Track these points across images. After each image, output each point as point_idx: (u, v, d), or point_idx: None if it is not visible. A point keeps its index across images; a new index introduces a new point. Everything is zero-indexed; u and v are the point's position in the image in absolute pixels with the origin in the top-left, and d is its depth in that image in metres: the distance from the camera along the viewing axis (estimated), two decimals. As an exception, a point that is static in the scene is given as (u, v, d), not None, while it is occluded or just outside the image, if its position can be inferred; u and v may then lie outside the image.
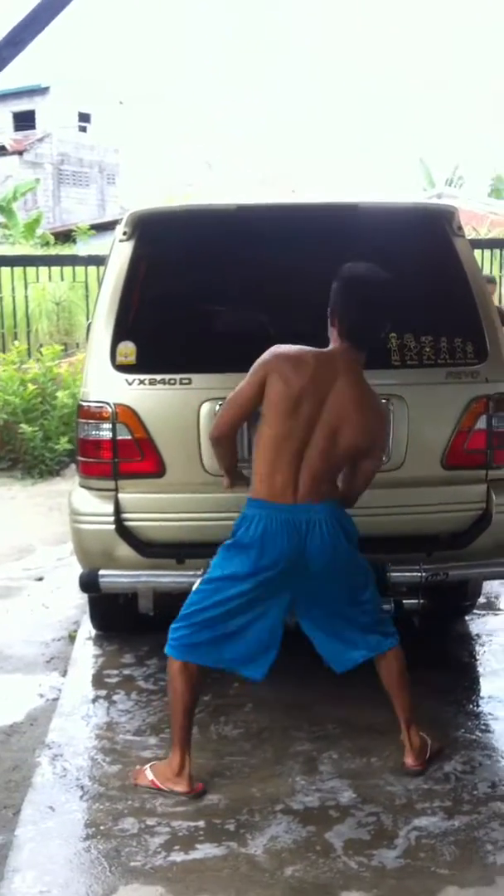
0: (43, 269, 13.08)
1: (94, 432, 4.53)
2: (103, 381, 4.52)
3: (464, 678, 5.05)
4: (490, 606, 6.00)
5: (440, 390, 4.57)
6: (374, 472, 4.03)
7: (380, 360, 4.43)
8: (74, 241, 22.59)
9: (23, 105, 44.74)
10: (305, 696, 4.64)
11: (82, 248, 19.78)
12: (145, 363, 4.49)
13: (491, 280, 10.27)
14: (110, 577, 4.49)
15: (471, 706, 4.72)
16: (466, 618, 5.77)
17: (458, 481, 4.62)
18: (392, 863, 3.46)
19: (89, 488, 4.64)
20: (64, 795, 3.95)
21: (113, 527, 4.51)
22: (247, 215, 4.78)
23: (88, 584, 4.51)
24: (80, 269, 12.72)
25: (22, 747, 4.38)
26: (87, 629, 5.65)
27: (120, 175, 47.39)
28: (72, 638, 5.64)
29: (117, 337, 4.52)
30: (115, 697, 4.82)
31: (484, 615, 5.85)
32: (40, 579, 6.82)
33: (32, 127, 44.39)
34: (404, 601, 4.45)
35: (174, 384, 4.46)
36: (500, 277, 13.33)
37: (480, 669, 5.18)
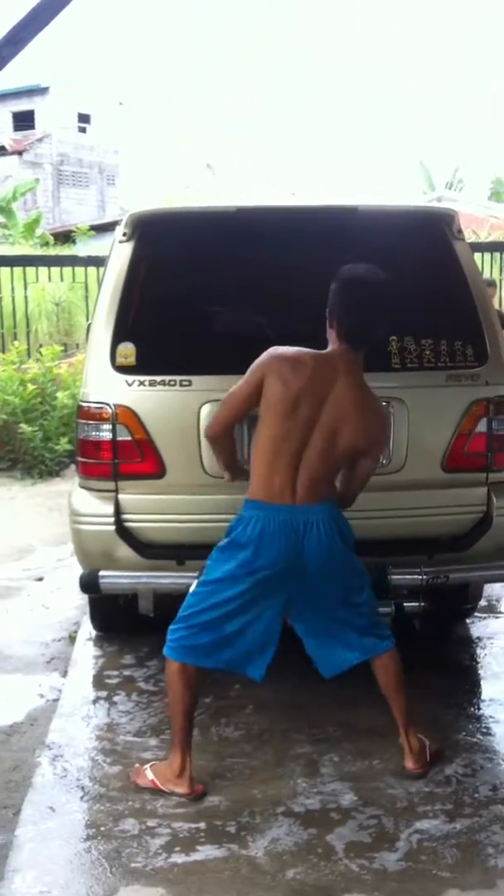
0: (42, 270, 13.07)
1: (94, 433, 4.53)
2: (103, 382, 4.51)
3: (465, 681, 5.05)
4: (491, 609, 6.00)
5: (440, 393, 4.57)
6: (372, 472, 4.04)
7: (380, 362, 4.43)
8: (74, 242, 22.58)
9: (22, 105, 44.73)
10: (306, 698, 4.64)
11: (82, 249, 19.77)
12: (145, 364, 4.49)
13: (491, 284, 10.29)
14: (110, 577, 4.48)
15: (472, 709, 4.72)
16: (467, 621, 5.77)
17: (458, 484, 4.62)
18: (393, 865, 3.46)
19: (89, 489, 4.64)
20: (64, 796, 3.94)
21: (113, 528, 4.51)
22: (247, 217, 4.78)
23: (88, 584, 4.51)
24: (79, 270, 12.72)
25: (22, 747, 4.38)
26: (88, 630, 5.65)
27: (120, 176, 47.40)
28: (72, 638, 5.63)
29: (117, 338, 4.52)
30: (115, 698, 4.81)
31: (485, 618, 5.85)
32: (40, 580, 6.81)
33: (32, 127, 44.39)
34: (405, 604, 4.45)
35: (174, 385, 4.46)
36: (501, 281, 13.34)
37: (481, 672, 5.18)
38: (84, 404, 4.57)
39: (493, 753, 4.29)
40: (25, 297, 12.84)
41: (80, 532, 4.64)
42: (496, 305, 9.98)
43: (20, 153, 42.88)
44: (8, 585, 6.69)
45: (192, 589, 3.94)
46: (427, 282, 4.67)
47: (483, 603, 5.82)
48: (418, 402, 4.52)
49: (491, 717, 4.63)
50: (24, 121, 44.66)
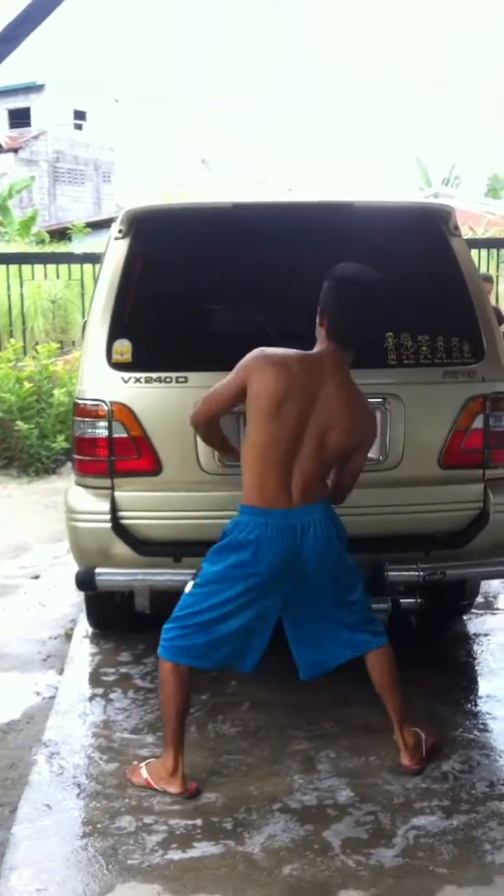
0: (38, 267, 13.08)
1: (90, 430, 4.52)
2: (99, 379, 4.51)
3: (461, 678, 5.05)
4: (488, 606, 6.00)
5: (437, 390, 4.56)
6: (362, 467, 4.05)
7: (376, 359, 4.44)
8: (70, 239, 22.62)
9: (18, 102, 44.65)
10: (303, 695, 4.62)
11: (78, 246, 19.80)
12: (141, 361, 4.49)
13: (488, 279, 10.30)
14: (107, 575, 4.48)
15: (469, 705, 4.72)
16: (464, 617, 5.77)
17: (455, 480, 4.62)
18: (390, 862, 3.46)
19: (85, 486, 4.63)
20: (61, 793, 3.94)
21: (109, 525, 4.50)
22: (243, 213, 4.77)
23: (85, 582, 4.50)
24: (75, 267, 12.73)
25: (19, 745, 4.38)
26: (84, 627, 5.65)
27: (115, 173, 47.31)
28: (68, 636, 5.63)
29: (113, 335, 4.51)
30: (111, 695, 4.81)
31: (482, 614, 5.85)
32: (37, 577, 6.81)
33: (28, 124, 44.30)
34: (402, 600, 4.46)
35: (170, 382, 4.45)
36: (497, 277, 13.35)
37: (478, 669, 5.18)
38: (80, 401, 4.56)
39: (489, 750, 4.29)
40: (21, 295, 12.86)
41: (76, 529, 4.63)
42: (493, 301, 9.99)
43: (16, 150, 42.79)
44: (4, 583, 6.69)
45: (187, 590, 3.93)
46: (423, 278, 4.67)
47: (480, 599, 5.82)
48: (415, 398, 4.52)
49: (488, 713, 4.63)
50: (19, 118, 44.57)
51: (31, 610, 6.19)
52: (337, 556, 3.88)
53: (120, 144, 47.82)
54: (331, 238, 4.60)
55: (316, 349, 3.88)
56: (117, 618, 5.33)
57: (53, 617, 6.01)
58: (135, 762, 4.09)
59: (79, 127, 45.59)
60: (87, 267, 12.07)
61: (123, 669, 5.11)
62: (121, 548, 4.49)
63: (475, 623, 5.74)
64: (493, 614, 5.91)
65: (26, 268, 12.86)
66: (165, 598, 4.29)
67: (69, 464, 8.81)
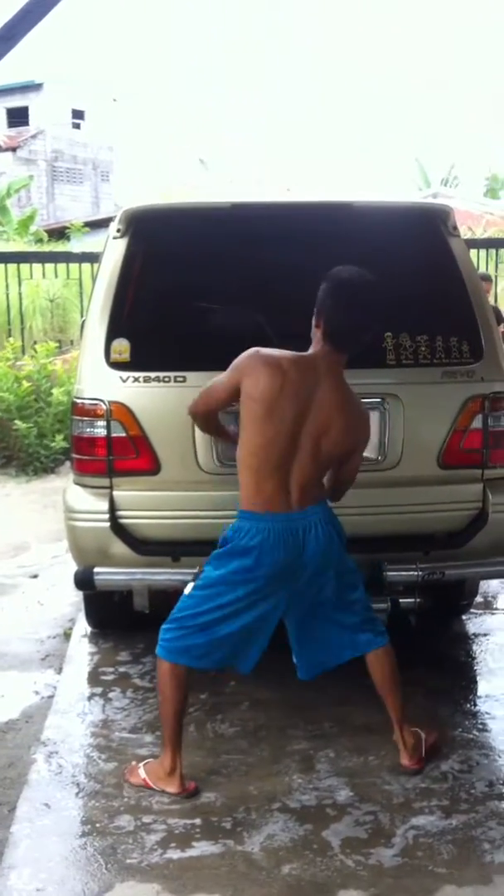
0: (37, 266, 13.06)
1: (88, 429, 4.52)
2: (98, 379, 4.50)
3: (461, 677, 5.05)
4: (487, 605, 6.01)
5: (436, 390, 4.56)
6: (359, 467, 4.06)
7: (375, 359, 4.44)
8: (68, 239, 22.62)
9: (16, 101, 44.63)
10: (302, 694, 4.63)
11: (76, 246, 19.80)
12: (140, 360, 4.48)
13: (486, 278, 10.30)
14: (105, 574, 4.48)
15: (468, 705, 4.72)
16: (463, 617, 5.78)
17: (454, 480, 4.62)
18: (389, 861, 3.46)
19: (84, 486, 4.63)
20: (60, 792, 3.94)
21: (108, 524, 4.50)
22: (242, 213, 4.77)
23: (83, 581, 4.50)
24: (73, 267, 12.72)
25: (17, 744, 4.38)
26: (83, 626, 5.65)
27: (114, 172, 47.29)
28: (67, 635, 5.63)
29: (111, 334, 4.51)
30: (110, 695, 4.81)
31: (481, 614, 5.86)
32: (35, 577, 6.81)
33: (26, 123, 44.28)
34: (401, 600, 4.46)
35: (169, 382, 4.45)
36: (496, 277, 13.35)
37: (477, 669, 5.19)
38: (78, 401, 4.56)
39: (489, 749, 4.29)
40: (20, 294, 12.85)
41: (74, 529, 4.63)
42: (492, 301, 9.99)
43: (14, 150, 42.79)
44: (3, 582, 6.69)
45: (187, 591, 3.93)
46: (422, 278, 4.67)
47: (479, 599, 5.83)
48: (414, 398, 4.52)
49: (487, 713, 4.63)
50: (17, 117, 44.56)
51: (30, 609, 6.19)
52: (337, 557, 3.89)
53: (118, 144, 47.82)
54: (329, 238, 4.60)
55: (311, 350, 3.87)
56: (116, 617, 5.33)
57: (52, 616, 6.01)
58: (133, 762, 4.09)
59: (77, 126, 45.57)
60: (86, 266, 12.06)
61: (122, 669, 5.11)
62: (119, 547, 4.49)
63: (474, 623, 5.74)
64: (493, 614, 5.91)
65: (25, 267, 12.85)
66: (164, 598, 4.30)
67: (68, 463, 8.81)
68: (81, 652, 5.38)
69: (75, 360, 6.99)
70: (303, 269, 4.38)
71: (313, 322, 3.88)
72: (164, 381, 4.44)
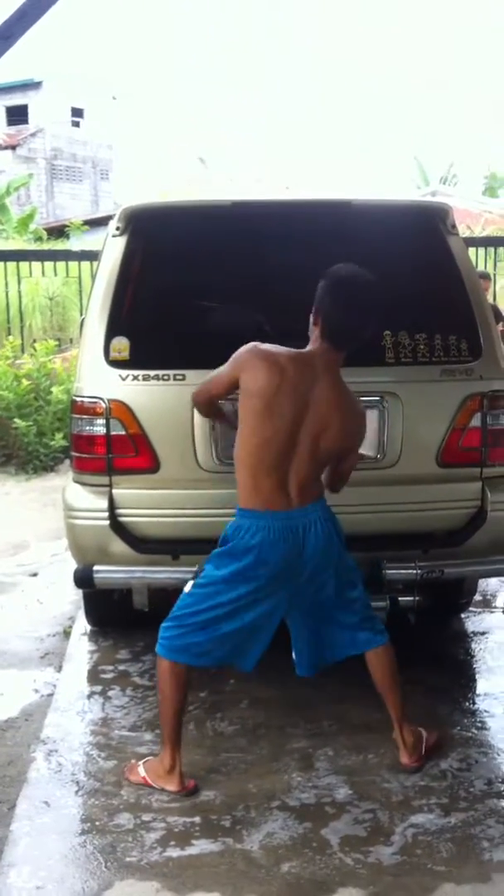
0: (36, 264, 13.06)
1: (87, 427, 4.52)
2: (97, 377, 4.50)
3: (460, 676, 5.06)
4: (486, 604, 6.01)
5: (435, 388, 4.56)
6: (357, 463, 4.07)
7: (374, 357, 4.44)
8: (68, 237, 22.59)
9: (15, 100, 44.61)
10: (301, 693, 4.63)
11: (75, 244, 19.79)
12: (139, 359, 4.48)
13: (485, 276, 10.29)
14: (105, 572, 4.48)
15: (467, 704, 4.72)
16: (462, 616, 5.78)
17: (453, 479, 4.62)
18: (388, 859, 3.47)
19: (83, 484, 4.63)
20: (59, 791, 3.94)
21: (107, 522, 4.50)
22: (241, 211, 4.77)
23: (83, 579, 4.50)
24: (73, 265, 12.72)
25: (17, 742, 4.39)
26: (82, 625, 5.65)
27: (113, 171, 47.28)
28: (66, 634, 5.63)
29: (111, 332, 4.51)
30: (110, 693, 4.81)
31: (480, 613, 5.86)
32: (35, 575, 6.81)
33: (25, 122, 44.26)
34: (400, 598, 4.45)
35: (168, 380, 4.45)
36: (495, 276, 13.34)
37: (476, 667, 5.19)
38: (78, 399, 4.56)
39: (488, 748, 4.29)
40: (19, 292, 12.84)
41: (74, 527, 4.63)
42: (490, 299, 9.99)
43: (13, 148, 42.77)
44: (3, 581, 6.69)
45: (187, 589, 3.93)
46: (421, 276, 4.67)
47: (478, 598, 5.83)
48: (413, 396, 4.52)
49: (486, 711, 4.64)
50: (17, 115, 44.54)
51: (30, 607, 6.19)
52: (337, 555, 3.89)
53: (118, 142, 47.82)
54: (328, 236, 4.60)
55: (308, 348, 3.87)
56: (116, 615, 5.33)
57: (52, 614, 6.01)
58: (132, 760, 4.09)
59: (76, 124, 45.55)
60: (85, 264, 12.05)
61: (122, 667, 5.11)
62: (119, 545, 4.49)
63: (473, 621, 5.75)
64: (491, 612, 5.91)
65: (24, 265, 12.84)
66: (164, 596, 4.30)
67: (67, 461, 8.82)
68: (81, 650, 5.38)
69: (75, 359, 7.00)
70: (302, 267, 4.38)
71: (311, 319, 3.88)
72: (164, 380, 4.45)
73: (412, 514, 4.60)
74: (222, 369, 3.90)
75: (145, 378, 4.44)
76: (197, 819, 3.72)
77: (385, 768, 4.08)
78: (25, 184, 33.65)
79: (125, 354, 4.48)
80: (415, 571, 4.42)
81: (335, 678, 4.44)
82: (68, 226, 23.32)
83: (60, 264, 12.94)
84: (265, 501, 3.77)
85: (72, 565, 4.71)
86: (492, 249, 13.99)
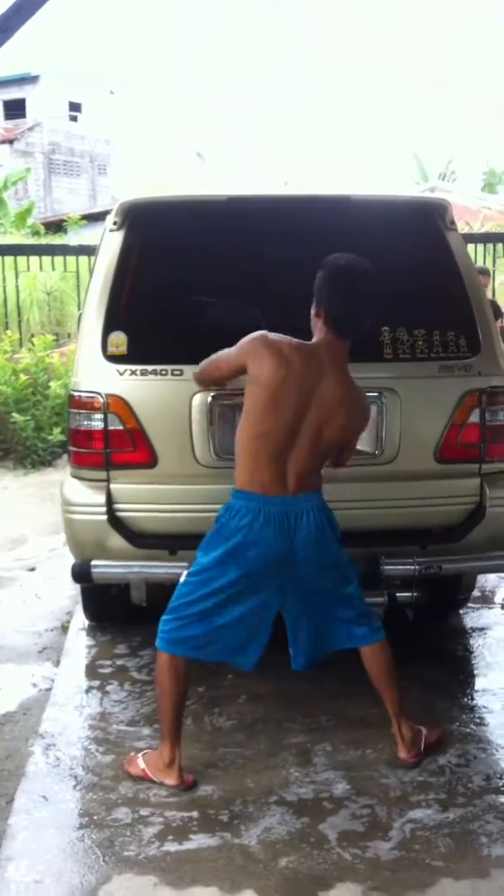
0: (34, 259, 13.04)
1: (85, 422, 4.51)
2: (94, 372, 4.50)
3: (458, 672, 5.06)
4: (484, 600, 6.01)
5: (433, 384, 4.56)
6: (354, 452, 4.10)
7: (373, 353, 4.43)
8: (65, 231, 22.52)
9: (13, 94, 44.60)
10: (299, 688, 4.64)
11: (73, 239, 19.72)
12: (137, 354, 4.48)
13: (484, 272, 10.28)
14: (102, 567, 4.48)
15: (465, 699, 4.73)
16: (461, 612, 5.78)
17: (451, 475, 4.61)
18: (386, 855, 3.47)
19: (81, 479, 4.62)
20: (57, 785, 3.95)
21: (105, 517, 4.50)
22: (239, 206, 4.76)
23: (81, 574, 4.50)
24: (70, 259, 12.70)
25: (15, 737, 4.39)
26: (80, 620, 5.65)
27: (111, 165, 47.25)
28: (64, 628, 5.63)
29: (108, 327, 4.50)
30: (108, 688, 4.82)
31: (478, 609, 5.86)
32: (33, 570, 6.81)
33: (23, 116, 44.25)
34: (398, 594, 4.46)
35: (166, 375, 4.45)
36: (493, 272, 13.33)
37: (474, 663, 5.19)
38: (75, 394, 4.55)
39: (486, 743, 4.30)
40: (17, 287, 12.82)
41: (72, 522, 4.63)
42: (490, 295, 9.99)
43: (11, 142, 42.76)
44: (0, 575, 6.68)
45: (182, 579, 3.94)
46: (419, 272, 4.66)
47: (476, 594, 5.83)
48: (411, 392, 4.51)
49: (484, 707, 4.64)
50: (14, 109, 44.53)
51: (28, 602, 6.19)
52: (331, 548, 3.89)
53: (115, 136, 47.76)
54: (327, 231, 4.59)
55: (314, 340, 3.87)
56: (113, 610, 5.34)
57: (50, 609, 6.01)
58: (131, 753, 4.10)
59: (74, 119, 45.54)
60: (83, 259, 12.01)
61: (120, 662, 5.11)
62: (117, 540, 4.49)
63: (471, 617, 5.75)
64: (490, 608, 5.92)
65: (22, 259, 12.81)
66: (161, 591, 4.29)
67: (65, 456, 8.78)
68: (79, 645, 5.38)
69: (72, 354, 6.99)
70: (299, 262, 4.36)
71: (312, 311, 3.88)
72: (161, 375, 4.44)
73: (410, 510, 4.60)
74: (228, 354, 3.91)
75: (143, 373, 4.44)
76: (195, 814, 3.73)
77: (383, 764, 4.08)
78: (23, 178, 33.62)
79: (123, 349, 4.48)
80: (413, 567, 4.42)
81: (332, 674, 4.44)
82: (66, 220, 23.23)
83: (58, 259, 12.92)
84: (260, 485, 3.77)
85: (70, 560, 4.71)
86: (490, 246, 13.98)
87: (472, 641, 5.44)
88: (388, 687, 4.05)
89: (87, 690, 4.81)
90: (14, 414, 9.92)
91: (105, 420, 4.45)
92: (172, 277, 4.69)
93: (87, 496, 4.56)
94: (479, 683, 4.93)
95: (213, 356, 4.05)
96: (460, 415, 4.54)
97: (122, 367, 4.45)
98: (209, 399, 4.38)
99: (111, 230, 4.64)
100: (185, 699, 4.00)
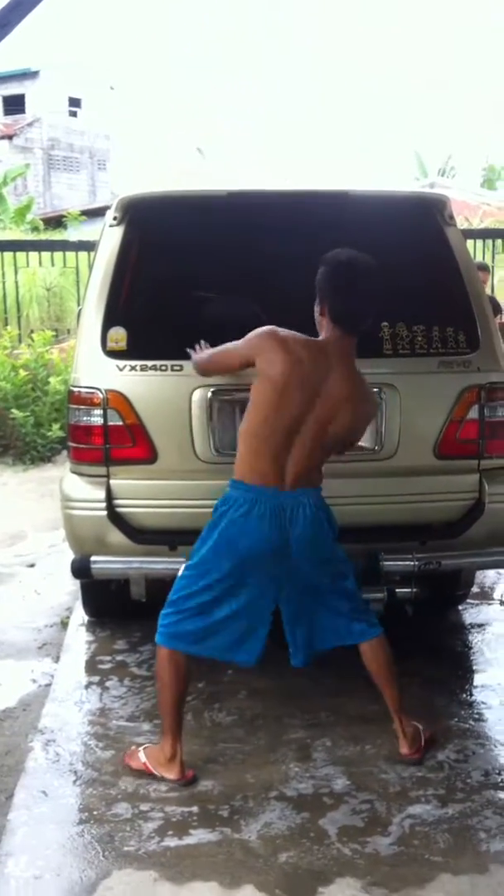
0: (33, 255, 13.02)
1: (84, 418, 4.51)
2: (94, 367, 4.50)
3: (457, 668, 5.06)
4: (483, 596, 6.01)
5: (432, 379, 4.56)
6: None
7: (372, 348, 4.43)
8: (65, 227, 22.55)
9: (12, 89, 44.52)
10: (298, 684, 4.64)
11: (73, 234, 19.75)
12: (136, 349, 4.48)
13: (484, 267, 10.27)
14: (102, 563, 4.48)
15: (464, 695, 4.73)
16: (460, 607, 5.79)
17: (450, 471, 4.62)
18: (386, 850, 3.47)
19: (81, 474, 4.62)
20: (57, 780, 3.95)
21: (105, 513, 4.50)
22: (238, 201, 4.76)
23: (80, 570, 4.50)
24: (70, 255, 12.69)
25: (15, 732, 4.39)
26: (80, 615, 5.65)
27: (111, 161, 47.18)
28: (64, 624, 5.64)
29: (108, 322, 4.50)
30: (108, 683, 4.82)
31: (477, 605, 5.87)
32: (32, 566, 6.81)
33: (22, 111, 44.16)
34: (397, 590, 4.46)
35: (165, 370, 4.45)
36: (493, 268, 13.33)
37: (473, 659, 5.19)
38: (75, 389, 4.55)
39: (485, 739, 4.30)
40: (16, 283, 12.82)
41: (71, 517, 4.63)
42: (489, 292, 9.98)
43: (10, 138, 42.69)
44: (0, 571, 6.68)
45: (180, 572, 3.95)
46: (419, 268, 4.66)
47: (475, 589, 5.84)
48: (410, 388, 4.51)
49: (483, 702, 4.65)
50: (14, 105, 44.46)
51: (27, 598, 6.19)
52: (327, 544, 3.89)
53: (115, 132, 47.71)
54: (325, 227, 4.58)
55: (322, 337, 3.87)
56: (113, 606, 5.34)
57: (49, 605, 6.02)
58: (132, 747, 4.10)
59: (74, 114, 45.46)
60: (83, 255, 12.02)
61: (119, 657, 5.12)
62: (116, 536, 4.49)
63: (471, 613, 5.75)
64: (489, 604, 5.92)
65: (21, 255, 12.81)
66: (161, 587, 4.29)
67: (65, 452, 8.80)
68: (78, 641, 5.38)
69: (72, 349, 6.99)
70: (299, 257, 4.37)
71: (317, 310, 3.88)
72: (161, 370, 4.44)
73: (410, 505, 4.60)
74: (236, 347, 3.90)
75: (143, 368, 4.44)
76: (195, 809, 3.73)
77: (382, 759, 4.09)
78: (22, 174, 33.60)
79: (122, 345, 4.48)
80: (412, 563, 4.42)
81: (332, 670, 4.45)
82: (65, 216, 23.28)
83: (58, 254, 12.92)
84: (259, 477, 3.77)
85: (69, 556, 4.72)
86: (489, 242, 13.99)
87: (470, 637, 5.45)
88: (388, 684, 4.05)
89: (87, 686, 4.81)
90: (13, 410, 9.92)
91: (104, 416, 4.45)
92: (172, 273, 4.69)
93: (86, 492, 4.56)
94: (478, 679, 4.93)
95: (220, 348, 4.04)
96: (459, 411, 4.54)
97: (121, 363, 4.45)
98: (209, 395, 4.38)
99: (111, 225, 4.64)
100: (185, 694, 4.00)
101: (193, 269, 4.69)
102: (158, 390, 4.45)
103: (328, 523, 3.89)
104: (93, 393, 4.46)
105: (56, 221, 26.63)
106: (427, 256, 4.68)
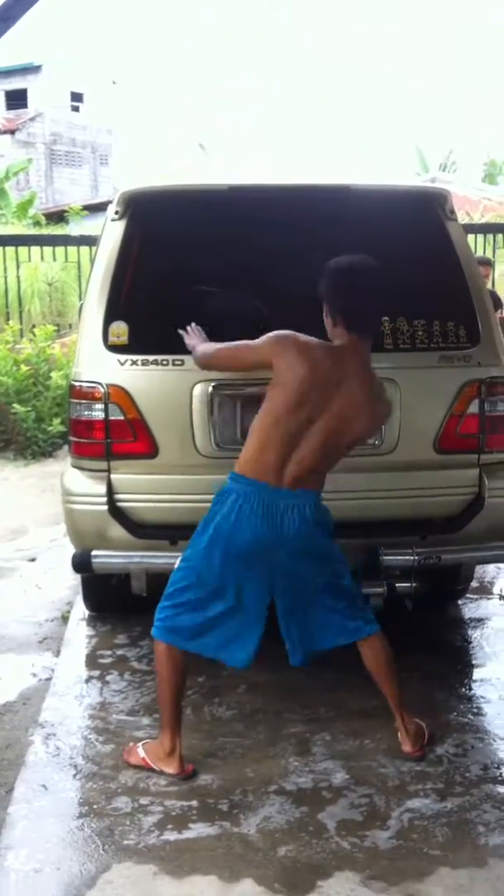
0: (35, 249, 13.03)
1: (86, 412, 4.52)
2: (95, 362, 4.50)
3: (457, 662, 5.07)
4: (483, 590, 6.02)
5: (433, 374, 4.56)
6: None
7: (372, 343, 4.43)
8: (67, 222, 22.49)
9: (15, 84, 44.45)
10: (298, 679, 4.64)
11: (75, 229, 19.69)
12: (138, 343, 4.48)
13: (485, 262, 10.25)
14: (103, 557, 4.49)
15: (463, 690, 4.74)
16: (459, 602, 5.79)
17: (450, 465, 4.62)
18: (385, 844, 3.48)
19: (82, 469, 4.63)
20: (57, 774, 3.96)
21: (105, 507, 4.51)
22: (240, 195, 4.76)
23: (81, 564, 4.51)
24: (72, 250, 12.69)
25: (15, 726, 4.40)
26: (81, 610, 5.66)
27: (112, 156, 47.12)
28: (65, 618, 5.64)
29: (109, 317, 4.50)
30: (108, 678, 4.83)
31: (477, 599, 5.87)
32: (33, 560, 6.82)
33: (24, 106, 44.11)
34: (397, 585, 4.46)
35: (167, 365, 4.45)
36: (494, 262, 13.31)
37: (473, 653, 5.20)
38: (76, 384, 4.55)
39: (484, 733, 4.31)
40: (18, 277, 12.82)
41: (72, 512, 4.63)
42: (490, 286, 9.97)
43: (13, 132, 42.64)
44: (1, 566, 6.70)
45: (176, 565, 3.96)
46: (419, 262, 4.65)
47: (475, 584, 5.83)
48: (411, 383, 4.51)
49: (482, 697, 4.65)
50: (16, 99, 44.39)
51: (28, 592, 6.20)
52: (321, 544, 3.88)
53: (117, 127, 47.65)
54: (327, 221, 4.58)
55: (338, 343, 3.85)
56: (114, 600, 5.35)
57: (50, 599, 6.02)
58: (131, 743, 4.11)
59: (76, 109, 45.40)
60: (84, 249, 12.00)
61: (120, 652, 5.12)
62: (117, 530, 4.50)
63: (470, 608, 5.76)
64: (488, 599, 5.93)
65: (23, 250, 12.81)
66: (162, 581, 4.29)
67: (66, 447, 8.78)
68: (79, 635, 5.39)
69: (74, 344, 6.99)
70: (300, 252, 4.38)
71: (328, 323, 3.86)
72: (163, 364, 4.44)
73: (410, 500, 4.61)
74: (250, 347, 3.85)
75: (144, 363, 4.44)
76: (194, 803, 3.74)
77: (381, 753, 4.09)
78: (24, 169, 33.53)
79: (124, 339, 4.48)
80: (412, 557, 4.42)
81: (332, 666, 4.44)
82: (67, 211, 23.20)
83: (59, 249, 12.92)
84: (260, 473, 3.77)
85: (70, 550, 4.72)
86: (490, 236, 13.95)
87: (470, 632, 5.46)
88: (388, 681, 4.05)
89: (87, 680, 4.82)
90: (15, 405, 9.93)
91: (106, 410, 4.45)
92: (174, 267, 4.69)
93: (87, 486, 4.56)
94: (478, 674, 4.94)
95: (229, 344, 3.99)
96: (459, 405, 4.54)
97: (123, 357, 4.45)
98: (210, 389, 4.39)
99: (112, 220, 4.64)
100: (184, 688, 4.01)
101: (195, 263, 4.69)
102: (159, 385, 4.45)
103: (323, 524, 3.88)
104: (94, 387, 4.46)
105: (58, 216, 26.56)
106: (428, 251, 4.67)
